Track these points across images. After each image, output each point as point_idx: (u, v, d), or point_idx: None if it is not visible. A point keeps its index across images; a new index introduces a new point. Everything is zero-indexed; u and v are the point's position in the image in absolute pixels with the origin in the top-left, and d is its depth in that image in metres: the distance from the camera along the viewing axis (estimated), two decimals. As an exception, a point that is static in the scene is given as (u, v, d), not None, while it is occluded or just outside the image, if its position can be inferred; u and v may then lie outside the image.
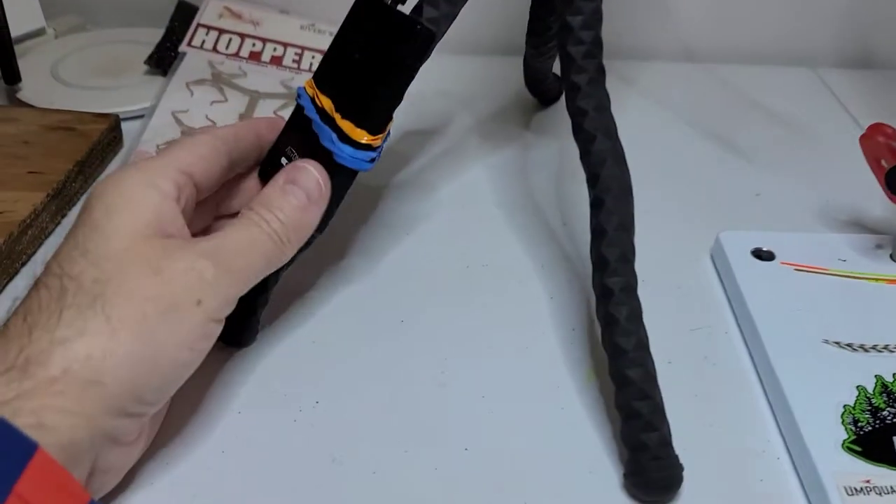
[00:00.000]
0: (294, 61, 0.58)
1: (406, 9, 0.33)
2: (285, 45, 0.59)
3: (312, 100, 0.32)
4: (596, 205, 0.33)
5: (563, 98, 0.40)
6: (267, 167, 0.34)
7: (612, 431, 0.33)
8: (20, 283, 0.39)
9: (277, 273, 0.33)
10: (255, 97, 0.53)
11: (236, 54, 0.57)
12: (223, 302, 0.28)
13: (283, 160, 0.33)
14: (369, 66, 0.31)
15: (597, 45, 0.34)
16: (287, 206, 0.30)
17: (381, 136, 0.32)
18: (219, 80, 0.54)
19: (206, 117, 0.50)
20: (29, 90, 0.53)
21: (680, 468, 0.30)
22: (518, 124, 0.55)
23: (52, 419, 0.24)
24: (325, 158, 0.32)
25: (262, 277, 0.30)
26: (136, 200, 0.28)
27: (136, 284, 0.26)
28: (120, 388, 0.25)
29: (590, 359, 0.36)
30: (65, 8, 0.61)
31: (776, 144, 0.54)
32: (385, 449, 0.32)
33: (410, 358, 0.36)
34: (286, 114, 0.51)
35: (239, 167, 0.33)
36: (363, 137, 0.31)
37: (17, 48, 0.53)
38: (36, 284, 0.27)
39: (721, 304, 0.40)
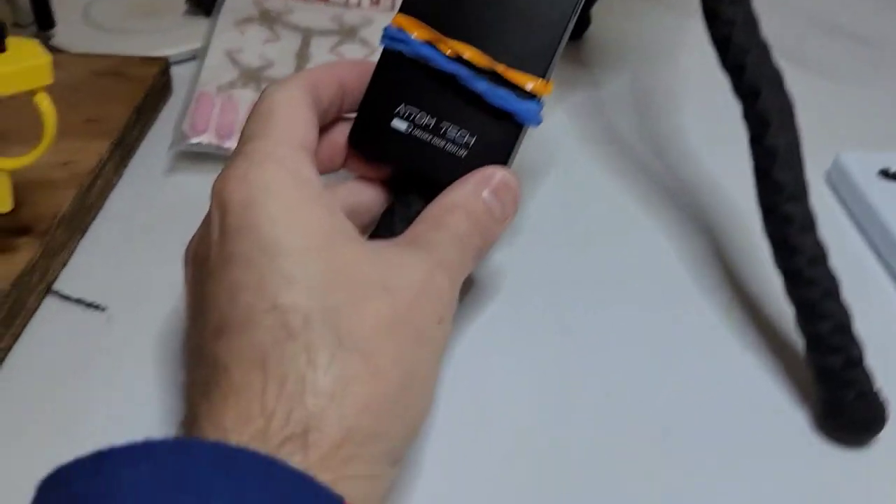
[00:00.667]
0: (342, -4, 0.54)
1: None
2: (329, -21, 0.55)
3: (436, 49, 0.26)
4: (760, 123, 0.29)
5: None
6: (366, 130, 0.28)
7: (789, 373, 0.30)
8: (91, 237, 0.36)
9: None
10: (307, 34, 0.49)
11: (280, -10, 0.53)
12: (454, 311, 0.24)
13: (402, 125, 0.27)
14: (526, 3, 0.26)
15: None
16: (485, 213, 0.26)
17: (551, 82, 0.27)
18: (267, 19, 0.50)
19: (262, 56, 0.46)
20: (63, 36, 0.49)
21: (884, 405, 0.28)
22: (585, 58, 0.51)
23: (349, 490, 0.20)
24: (491, 120, 0.26)
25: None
26: (301, 201, 0.23)
27: (372, 309, 0.22)
28: (397, 433, 0.22)
29: (721, 295, 0.34)
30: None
31: (876, 69, 0.51)
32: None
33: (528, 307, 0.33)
34: (344, 51, 0.48)
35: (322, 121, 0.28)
36: (545, 88, 0.26)
37: (44, -8, 0.49)
38: (243, 324, 0.21)
39: (847, 229, 0.37)
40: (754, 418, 0.29)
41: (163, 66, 0.45)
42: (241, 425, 0.19)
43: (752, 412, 0.29)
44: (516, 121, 0.26)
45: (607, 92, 0.48)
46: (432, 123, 0.27)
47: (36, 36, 0.49)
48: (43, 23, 0.47)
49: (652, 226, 0.38)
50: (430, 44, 0.27)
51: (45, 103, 0.27)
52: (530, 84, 0.26)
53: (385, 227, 0.28)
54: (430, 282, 0.23)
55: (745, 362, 0.31)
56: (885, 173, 0.38)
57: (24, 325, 0.31)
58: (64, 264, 0.34)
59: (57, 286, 0.33)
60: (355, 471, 0.20)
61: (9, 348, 0.30)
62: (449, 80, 0.26)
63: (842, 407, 0.28)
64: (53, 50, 0.48)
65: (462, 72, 0.26)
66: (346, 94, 0.28)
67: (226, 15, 0.49)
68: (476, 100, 0.26)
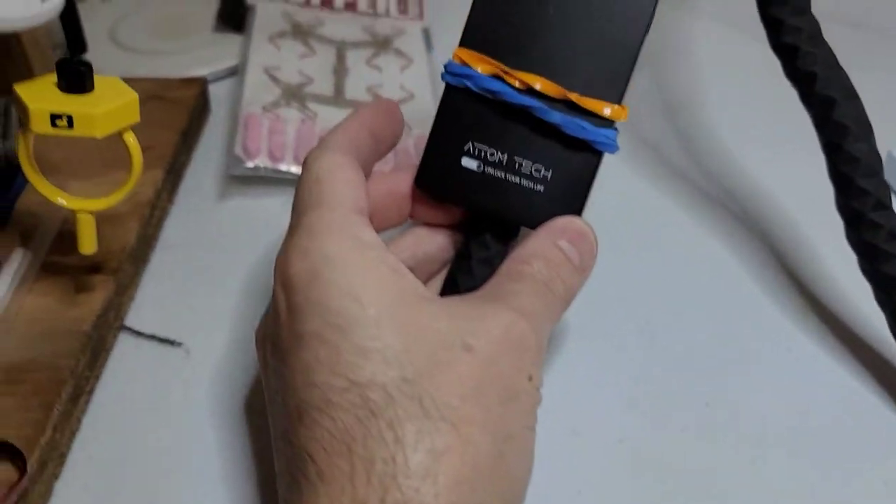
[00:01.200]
0: (370, 5, 0.53)
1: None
2: (355, -12, 0.55)
3: (502, 80, 0.26)
4: (838, 132, 0.29)
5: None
6: (435, 172, 0.27)
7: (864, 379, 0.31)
8: (151, 269, 0.36)
9: None
10: (342, 47, 0.49)
11: (307, 3, 0.52)
12: (542, 363, 0.23)
13: (472, 163, 0.26)
14: (592, 28, 0.25)
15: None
16: (565, 263, 0.25)
17: (627, 107, 0.26)
18: (300, 32, 0.49)
19: (300, 72, 0.46)
20: (94, 60, 0.47)
21: None
22: None
23: None
24: (568, 150, 0.26)
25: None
26: (366, 269, 0.22)
27: (455, 373, 0.21)
28: (500, 498, 0.21)
29: (794, 302, 0.34)
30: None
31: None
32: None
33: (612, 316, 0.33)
34: (380, 63, 0.48)
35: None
36: (621, 115, 0.25)
37: (69, 14, 0.48)
38: (322, 408, 0.20)
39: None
40: (848, 424, 0.29)
41: (202, 87, 0.44)
42: None
43: (845, 418, 0.30)
44: (595, 149, 0.26)
45: (633, 96, 0.48)
46: (505, 160, 0.26)
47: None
48: (75, 47, 0.46)
49: (704, 232, 0.38)
50: (497, 77, 0.26)
51: (132, 142, 0.27)
52: (608, 110, 0.25)
53: (462, 271, 0.27)
54: (513, 334, 0.22)
55: (826, 366, 0.32)
56: (940, 167, 0.38)
57: (104, 365, 0.31)
58: (132, 299, 0.34)
59: (127, 322, 0.33)
60: None
61: (93, 390, 0.30)
62: (520, 114, 0.26)
63: None
64: (86, 74, 0.47)
65: (535, 104, 0.25)
66: (378, 141, 0.27)
67: (259, 30, 0.49)
68: (550, 131, 0.26)
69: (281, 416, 0.22)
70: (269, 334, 0.23)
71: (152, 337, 0.33)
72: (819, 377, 0.31)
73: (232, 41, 0.50)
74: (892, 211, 0.29)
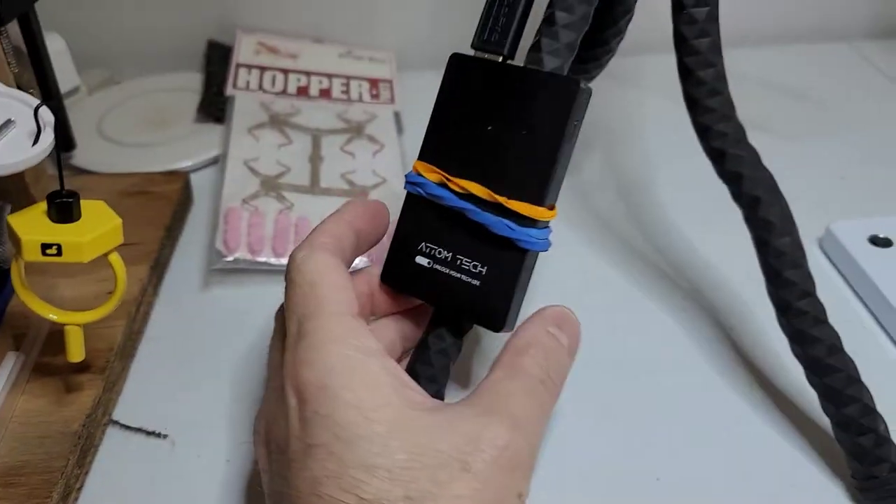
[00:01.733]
0: (343, 92, 0.56)
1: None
2: (329, 76, 0.58)
3: (446, 187, 0.29)
4: (763, 227, 0.32)
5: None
6: (398, 271, 0.30)
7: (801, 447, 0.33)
8: (138, 363, 0.38)
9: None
10: (317, 135, 0.52)
11: (283, 92, 0.55)
12: (531, 477, 0.24)
13: (424, 260, 0.30)
14: (521, 138, 0.29)
15: (722, 64, 0.33)
16: (557, 348, 0.27)
17: (555, 209, 0.29)
18: (277, 122, 0.52)
19: (278, 162, 0.48)
20: (82, 154, 0.51)
21: None
22: None
23: None
24: (500, 249, 0.29)
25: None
26: (371, 381, 0.24)
27: (457, 491, 0.22)
28: None
29: (734, 371, 0.37)
30: (91, 62, 0.59)
31: (833, 126, 0.54)
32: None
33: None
34: (353, 149, 0.51)
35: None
36: (545, 215, 0.28)
37: (58, 111, 0.51)
38: None
39: (844, 294, 0.40)
40: (793, 495, 0.32)
41: (184, 181, 0.47)
42: None
43: (790, 489, 0.32)
44: (520, 247, 0.28)
45: (587, 176, 0.51)
46: (449, 257, 0.29)
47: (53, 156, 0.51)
48: (64, 144, 0.49)
49: (654, 307, 0.41)
50: (442, 185, 0.29)
51: (117, 262, 0.29)
52: (530, 211, 0.28)
53: (422, 361, 0.30)
54: (508, 452, 0.23)
55: (772, 440, 0.34)
56: (875, 240, 0.41)
57: (93, 461, 0.33)
58: (119, 394, 0.36)
59: (115, 415, 0.35)
60: None
61: (82, 486, 0.32)
62: (459, 217, 0.29)
63: (878, 481, 0.30)
64: (75, 170, 0.50)
65: (469, 207, 0.29)
66: (360, 240, 0.30)
67: (238, 122, 0.52)
68: (485, 232, 0.29)
69: None
70: (277, 436, 0.24)
71: (139, 430, 0.35)
72: (764, 450, 0.33)
73: (213, 131, 0.53)
74: (816, 298, 0.31)
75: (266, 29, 0.61)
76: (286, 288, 0.27)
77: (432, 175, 0.30)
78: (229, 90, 0.54)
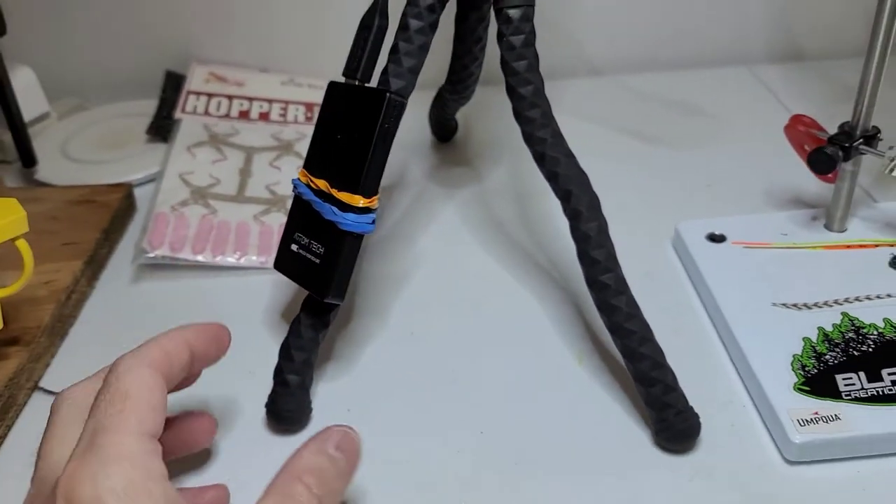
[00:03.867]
0: (280, 115, 0.63)
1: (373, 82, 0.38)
2: (270, 101, 0.65)
3: (308, 185, 0.37)
4: (574, 216, 0.38)
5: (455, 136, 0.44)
6: (282, 258, 0.38)
7: (624, 400, 0.39)
8: (70, 341, 0.44)
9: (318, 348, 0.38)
10: (250, 152, 0.59)
11: (227, 115, 0.63)
12: None
13: (294, 246, 0.38)
14: (352, 142, 0.36)
15: (540, 82, 0.39)
16: (331, 470, 0.28)
17: (375, 198, 0.36)
18: (216, 141, 0.59)
19: (210, 175, 0.55)
20: (45, 171, 0.58)
21: (697, 417, 0.36)
22: (467, 160, 0.61)
23: None
24: (331, 231, 0.36)
25: None
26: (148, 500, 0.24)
27: None
28: None
29: (579, 345, 0.42)
30: (64, 91, 0.66)
31: (718, 139, 0.60)
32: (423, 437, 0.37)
33: (423, 365, 0.42)
34: (281, 164, 0.57)
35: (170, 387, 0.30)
36: (360, 202, 0.35)
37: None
38: None
39: (685, 285, 0.46)
40: (609, 440, 0.37)
41: (126, 191, 0.54)
42: None
43: (607, 436, 0.37)
44: (341, 228, 0.35)
45: (489, 184, 0.57)
46: (307, 243, 0.37)
47: (21, 173, 0.58)
48: (26, 161, 0.56)
49: (527, 294, 0.46)
50: (306, 184, 0.37)
51: (24, 247, 0.36)
52: (348, 199, 0.35)
53: (293, 334, 0.38)
54: None
55: (598, 397, 0.39)
56: (712, 237, 0.46)
57: (16, 418, 0.39)
58: (47, 365, 0.43)
59: (42, 383, 0.42)
60: None
61: (4, 436, 0.38)
62: (314, 209, 0.36)
63: (667, 423, 0.36)
64: (37, 183, 0.57)
65: (315, 199, 0.36)
66: (195, 360, 0.31)
67: (180, 141, 0.59)
68: (323, 219, 0.36)
69: None
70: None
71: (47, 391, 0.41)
72: (590, 405, 0.39)
73: (160, 150, 0.60)
74: (618, 273, 0.37)
75: (219, 60, 0.69)
76: (99, 390, 0.27)
77: (303, 177, 0.38)
78: (178, 114, 0.62)
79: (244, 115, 0.63)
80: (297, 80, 0.68)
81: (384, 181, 0.58)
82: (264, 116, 0.63)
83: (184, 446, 0.34)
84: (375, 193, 0.36)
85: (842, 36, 0.70)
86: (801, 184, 0.52)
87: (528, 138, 0.39)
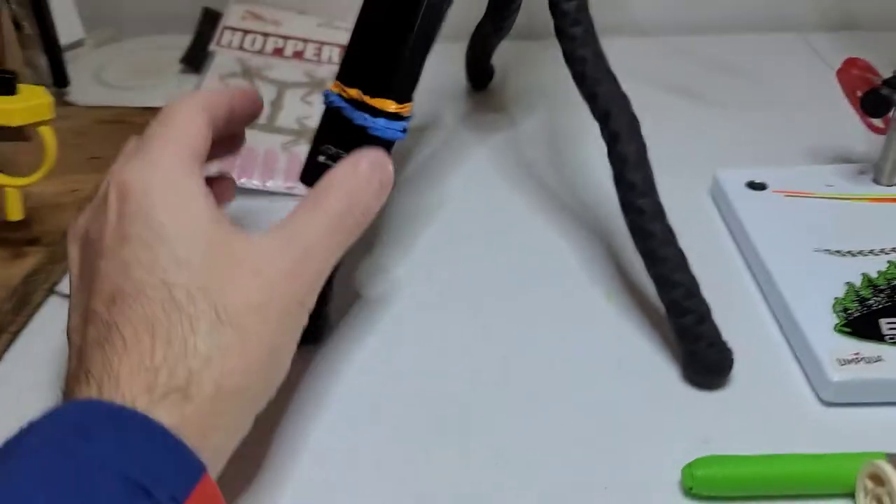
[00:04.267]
0: (315, 55, 0.62)
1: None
2: (305, 41, 0.64)
3: (339, 95, 0.35)
4: (613, 138, 0.36)
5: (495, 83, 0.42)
6: (308, 170, 0.36)
7: (654, 335, 0.37)
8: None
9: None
10: (282, 87, 0.58)
11: (261, 51, 0.62)
12: (315, 296, 0.29)
13: (321, 157, 0.35)
14: (388, 44, 0.34)
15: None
16: (363, 187, 0.30)
17: (409, 104, 0.34)
18: (248, 74, 0.58)
19: (241, 105, 0.54)
20: (77, 93, 0.58)
21: (730, 351, 0.34)
22: (501, 107, 0.59)
23: (215, 439, 0.25)
24: (362, 137, 0.34)
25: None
26: (190, 196, 0.27)
27: (244, 289, 0.26)
28: (258, 394, 0.27)
29: (609, 284, 0.41)
30: (101, 21, 0.66)
31: (765, 100, 0.58)
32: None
33: (448, 300, 0.40)
34: (313, 99, 0.56)
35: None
36: (391, 106, 0.33)
37: (62, 57, 0.58)
38: (135, 296, 0.25)
39: (722, 234, 0.44)
40: (636, 375, 0.35)
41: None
42: (132, 376, 0.24)
43: (635, 371, 0.36)
44: (372, 134, 0.33)
45: (523, 130, 0.55)
46: (336, 154, 0.35)
47: (53, 93, 0.58)
48: (59, 81, 0.56)
49: (556, 235, 0.45)
50: (338, 94, 0.35)
51: (47, 133, 0.35)
52: (379, 104, 0.33)
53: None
54: (296, 269, 0.27)
55: (628, 333, 0.38)
56: (752, 184, 0.44)
57: (31, 317, 0.39)
58: (65, 271, 0.42)
59: (59, 288, 0.41)
60: (222, 422, 0.25)
61: (18, 331, 0.38)
62: (345, 118, 0.34)
63: (697, 356, 0.34)
64: (67, 104, 0.57)
65: (345, 106, 0.34)
66: (233, 118, 0.33)
67: (213, 71, 0.58)
68: (355, 128, 0.34)
69: (91, 298, 0.26)
70: (92, 232, 0.28)
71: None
72: (615, 338, 0.37)
73: (194, 80, 0.59)
74: (655, 199, 0.35)
75: (257, 0, 0.68)
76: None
77: (335, 88, 0.35)
78: (212, 46, 0.61)
79: (278, 52, 0.62)
80: (334, 23, 0.67)
81: (416, 123, 0.58)
82: (298, 55, 0.62)
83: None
84: (409, 99, 0.35)
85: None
86: (848, 142, 0.50)
87: (569, 57, 0.38)
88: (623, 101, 0.37)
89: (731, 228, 0.44)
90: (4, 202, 0.36)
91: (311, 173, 0.36)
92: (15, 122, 0.33)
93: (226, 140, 0.35)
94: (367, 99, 0.34)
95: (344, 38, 0.65)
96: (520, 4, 0.49)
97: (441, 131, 0.56)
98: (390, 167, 0.32)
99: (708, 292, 0.35)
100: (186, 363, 0.25)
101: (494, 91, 0.61)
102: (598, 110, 0.37)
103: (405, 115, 0.35)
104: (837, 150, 0.50)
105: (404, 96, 0.34)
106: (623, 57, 0.67)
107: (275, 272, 0.27)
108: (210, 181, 0.35)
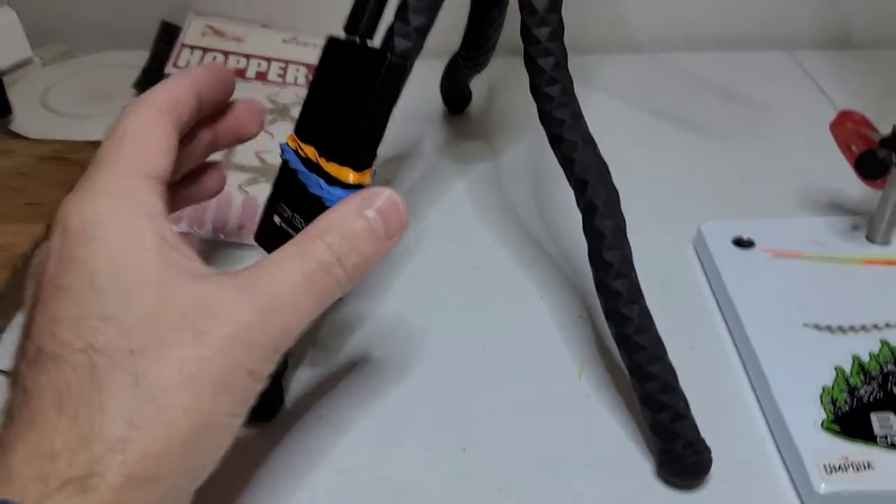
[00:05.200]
0: (279, 76, 0.59)
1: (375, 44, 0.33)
2: (269, 59, 0.60)
3: (296, 152, 0.32)
4: (589, 209, 0.33)
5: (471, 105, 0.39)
6: (263, 230, 0.33)
7: (628, 421, 0.35)
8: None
9: None
10: (242, 114, 0.54)
11: (221, 72, 0.58)
12: (273, 363, 0.24)
13: (277, 218, 0.32)
14: (347, 107, 0.30)
15: (562, 55, 0.34)
16: (364, 236, 0.26)
17: (367, 171, 0.31)
18: (206, 100, 0.55)
19: (196, 138, 0.51)
20: (21, 121, 0.54)
21: (709, 452, 0.31)
22: (483, 133, 0.56)
23: None
24: (317, 206, 0.30)
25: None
26: (134, 238, 0.24)
27: (179, 355, 0.22)
28: (178, 484, 0.23)
29: (582, 354, 0.38)
30: (50, 36, 0.62)
31: (755, 130, 0.55)
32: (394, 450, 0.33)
33: (412, 363, 0.37)
34: (275, 129, 0.53)
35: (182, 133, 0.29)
36: (350, 176, 0.30)
37: (6, 79, 0.54)
38: (54, 359, 0.22)
39: (705, 292, 0.41)
40: (606, 469, 0.33)
41: (104, 150, 0.50)
42: (27, 463, 0.21)
43: (605, 464, 0.33)
44: (326, 205, 0.29)
45: (504, 160, 0.52)
46: (290, 216, 0.32)
47: (-4, 121, 0.54)
48: (1, 111, 0.52)
49: (531, 287, 0.42)
50: (294, 151, 0.31)
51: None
52: (337, 172, 0.30)
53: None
54: (253, 327, 0.23)
55: (599, 418, 0.35)
56: (739, 241, 0.41)
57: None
58: (-3, 338, 0.39)
59: (-11, 359, 0.38)
60: None
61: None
62: (297, 177, 0.31)
63: (673, 455, 0.31)
64: (11, 134, 0.53)
65: (301, 168, 0.31)
66: (203, 102, 0.29)
67: (167, 98, 0.54)
68: (309, 192, 0.30)
69: (21, 353, 0.23)
70: (40, 274, 0.24)
71: (4, 373, 0.37)
72: (590, 423, 0.35)
73: (147, 106, 0.55)
74: (631, 279, 0.32)
75: (218, 13, 0.64)
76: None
77: (291, 142, 0.32)
78: (168, 68, 0.57)
79: (240, 73, 0.58)
80: (300, 39, 0.63)
81: (393, 152, 0.54)
82: (262, 76, 0.59)
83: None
84: (368, 167, 0.31)
85: (894, 25, 0.64)
86: (843, 187, 0.47)
87: (545, 118, 0.34)
88: (601, 168, 0.34)
89: (714, 290, 0.41)
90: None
91: (266, 234, 0.33)
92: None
93: (204, 128, 0.31)
94: (322, 162, 0.30)
95: (310, 55, 0.62)
96: (495, 43, 0.46)
97: (420, 160, 0.53)
98: (405, 212, 0.27)
99: (687, 365, 0.33)
100: (90, 447, 0.21)
101: (476, 113, 0.58)
102: (574, 178, 0.34)
103: (365, 183, 0.31)
104: (830, 194, 0.47)
105: (363, 164, 0.31)
106: (617, 75, 0.64)
107: (223, 333, 0.23)
108: (195, 171, 0.33)
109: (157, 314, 0.22)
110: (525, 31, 0.34)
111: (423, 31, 0.34)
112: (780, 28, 0.65)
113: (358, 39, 0.33)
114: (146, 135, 0.26)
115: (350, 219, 0.26)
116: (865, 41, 0.65)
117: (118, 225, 0.24)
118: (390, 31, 0.34)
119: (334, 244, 0.25)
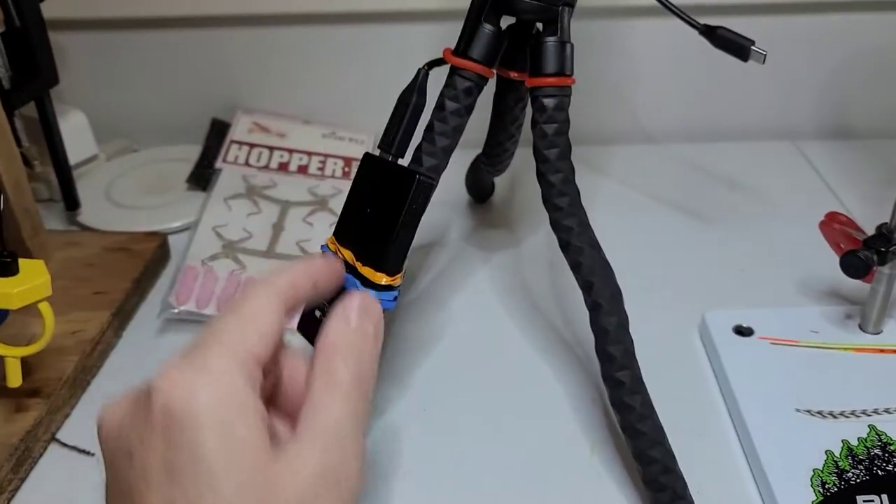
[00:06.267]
0: (319, 169, 0.64)
1: (405, 160, 0.38)
2: (310, 154, 0.66)
3: (335, 254, 0.37)
4: (594, 308, 0.38)
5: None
6: (304, 321, 0.37)
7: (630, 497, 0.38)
8: (92, 392, 0.45)
9: None
10: (285, 206, 0.59)
11: (266, 167, 0.64)
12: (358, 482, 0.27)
13: (317, 312, 0.36)
14: (380, 217, 0.35)
15: (570, 171, 0.39)
16: (359, 340, 0.29)
17: (399, 276, 0.36)
18: (252, 193, 0.60)
19: (244, 229, 0.56)
20: (87, 214, 0.59)
21: None
22: (505, 222, 0.60)
23: None
24: None
25: None
26: (241, 415, 0.25)
27: None
28: None
29: (594, 433, 0.41)
30: (114, 133, 0.68)
31: (756, 219, 0.59)
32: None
33: (435, 445, 0.41)
34: (314, 219, 0.58)
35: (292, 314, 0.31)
36: (383, 280, 0.35)
37: (74, 173, 0.60)
38: None
39: (708, 377, 0.45)
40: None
41: (160, 241, 0.55)
42: None
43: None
44: None
45: (525, 248, 0.57)
46: (328, 308, 0.36)
47: (65, 212, 0.60)
48: (69, 204, 0.58)
49: (548, 371, 0.46)
50: (334, 252, 0.37)
51: (46, 310, 0.36)
52: (370, 275, 0.35)
53: None
54: (327, 478, 0.26)
55: (607, 494, 0.38)
56: (739, 330, 0.45)
57: (31, 470, 0.40)
58: (67, 416, 0.43)
59: (60, 435, 0.42)
60: None
61: (17, 489, 0.39)
62: None
63: None
64: (79, 225, 0.59)
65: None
66: (318, 292, 0.32)
67: (218, 191, 0.60)
68: (345, 290, 0.35)
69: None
70: (130, 439, 0.25)
71: (73, 448, 0.42)
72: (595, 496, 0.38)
73: (200, 198, 0.61)
74: (634, 371, 0.36)
75: (265, 110, 0.70)
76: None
77: (331, 245, 0.38)
78: (219, 163, 0.63)
79: (283, 167, 0.64)
80: (338, 134, 0.69)
81: (422, 240, 0.59)
82: (303, 170, 0.64)
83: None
84: (399, 271, 0.36)
85: (893, 115, 0.68)
86: (839, 276, 0.50)
87: (555, 225, 0.39)
88: (606, 271, 0.38)
89: (716, 374, 0.44)
90: (4, 369, 0.38)
91: (307, 325, 0.38)
92: (14, 305, 0.35)
93: None
94: (359, 266, 0.35)
95: (347, 149, 0.67)
96: (512, 154, 0.50)
97: (446, 247, 0.58)
98: (379, 309, 0.31)
99: (688, 446, 0.36)
100: None
101: (500, 203, 0.62)
102: (581, 279, 0.38)
103: (395, 285, 0.36)
104: (829, 283, 0.51)
105: (395, 270, 0.35)
106: (627, 164, 0.69)
107: (311, 495, 0.25)
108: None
109: (253, 488, 0.24)
110: (537, 151, 0.39)
111: (448, 151, 0.39)
112: (784, 119, 0.70)
113: (391, 156, 0.38)
114: (261, 318, 0.27)
115: (345, 333, 0.29)
116: (865, 131, 0.69)
117: (225, 405, 0.25)
118: (419, 150, 0.39)
119: (350, 361, 0.28)
